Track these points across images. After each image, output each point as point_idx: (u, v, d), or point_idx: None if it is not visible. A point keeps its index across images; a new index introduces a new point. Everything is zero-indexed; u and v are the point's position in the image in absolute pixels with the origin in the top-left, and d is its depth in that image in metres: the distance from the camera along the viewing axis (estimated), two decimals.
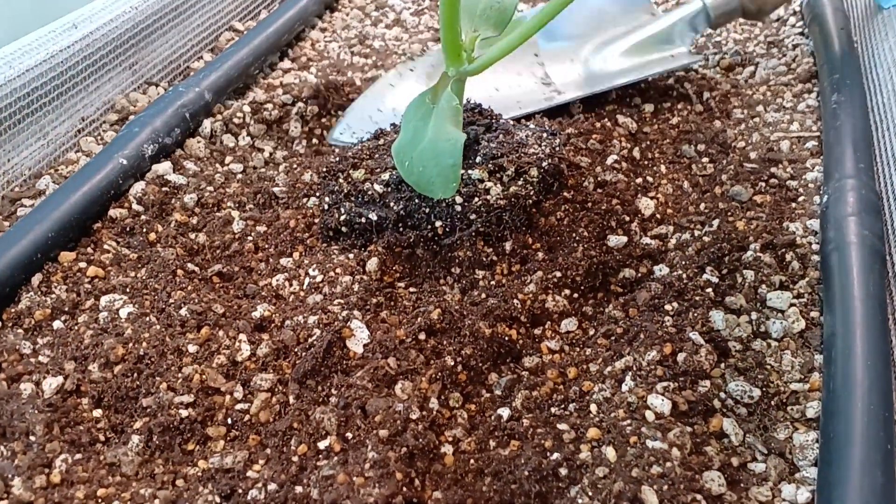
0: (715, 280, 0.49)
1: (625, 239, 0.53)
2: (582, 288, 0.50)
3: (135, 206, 0.54)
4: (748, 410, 0.42)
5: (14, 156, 0.58)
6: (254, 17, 0.81)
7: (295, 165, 0.61)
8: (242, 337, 0.44)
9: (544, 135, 0.58)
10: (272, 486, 0.37)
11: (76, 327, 0.44)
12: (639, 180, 0.59)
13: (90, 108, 0.64)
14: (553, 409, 0.42)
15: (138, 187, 0.55)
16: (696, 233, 0.54)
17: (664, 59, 0.70)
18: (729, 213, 0.55)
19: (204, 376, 0.41)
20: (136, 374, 0.41)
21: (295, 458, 0.38)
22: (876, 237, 0.47)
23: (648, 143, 0.64)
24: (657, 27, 0.73)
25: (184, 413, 0.40)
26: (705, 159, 0.62)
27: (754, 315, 0.47)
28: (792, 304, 0.47)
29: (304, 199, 0.56)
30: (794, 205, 0.56)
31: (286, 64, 0.75)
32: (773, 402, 0.42)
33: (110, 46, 0.65)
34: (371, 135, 0.60)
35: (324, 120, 0.67)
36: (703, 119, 0.67)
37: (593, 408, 0.41)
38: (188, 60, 0.73)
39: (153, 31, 0.69)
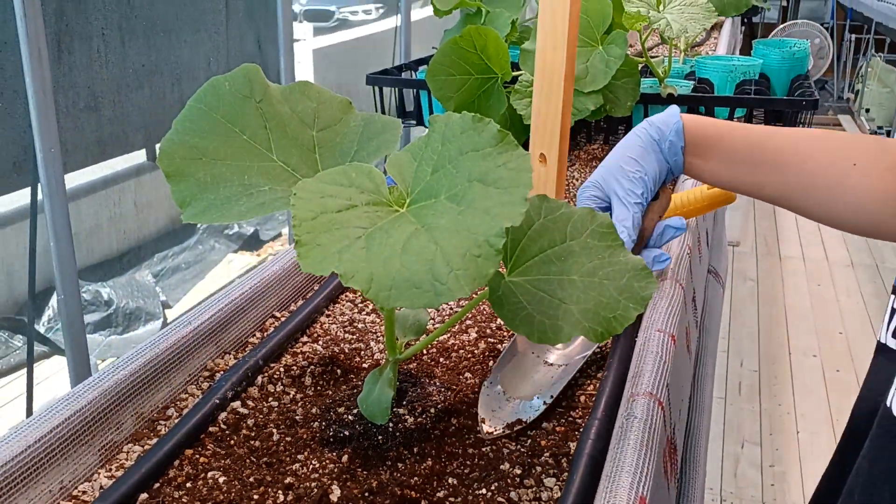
0: None
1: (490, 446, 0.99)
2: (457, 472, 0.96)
3: (222, 426, 1.01)
4: None
5: (154, 396, 1.06)
6: (287, 308, 1.32)
7: (308, 403, 1.09)
8: (279, 492, 0.90)
9: (442, 388, 1.06)
10: None
11: (198, 486, 0.90)
12: None
13: (194, 368, 1.13)
14: None
15: (223, 415, 1.03)
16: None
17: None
18: None
19: None
20: None
21: None
22: None
23: None
24: None
25: None
26: None
27: None
28: None
29: (312, 423, 1.04)
30: None
31: (305, 339, 1.25)
32: None
33: (207, 333, 1.15)
34: (348, 386, 1.09)
35: (325, 375, 1.15)
36: None
37: None
38: (247, 337, 1.23)
39: (230, 321, 1.20)
